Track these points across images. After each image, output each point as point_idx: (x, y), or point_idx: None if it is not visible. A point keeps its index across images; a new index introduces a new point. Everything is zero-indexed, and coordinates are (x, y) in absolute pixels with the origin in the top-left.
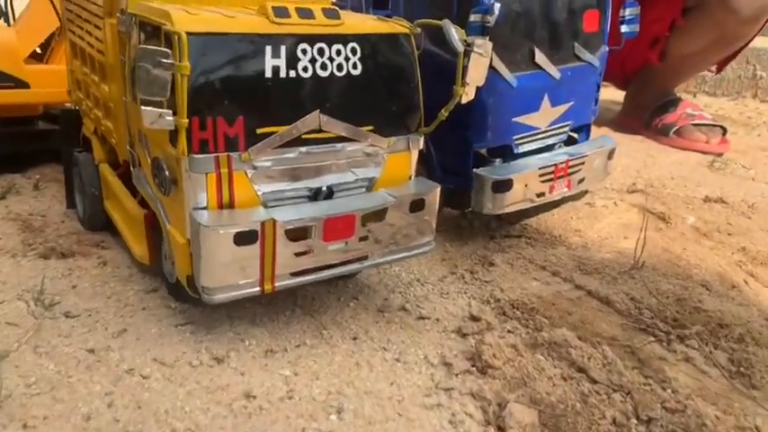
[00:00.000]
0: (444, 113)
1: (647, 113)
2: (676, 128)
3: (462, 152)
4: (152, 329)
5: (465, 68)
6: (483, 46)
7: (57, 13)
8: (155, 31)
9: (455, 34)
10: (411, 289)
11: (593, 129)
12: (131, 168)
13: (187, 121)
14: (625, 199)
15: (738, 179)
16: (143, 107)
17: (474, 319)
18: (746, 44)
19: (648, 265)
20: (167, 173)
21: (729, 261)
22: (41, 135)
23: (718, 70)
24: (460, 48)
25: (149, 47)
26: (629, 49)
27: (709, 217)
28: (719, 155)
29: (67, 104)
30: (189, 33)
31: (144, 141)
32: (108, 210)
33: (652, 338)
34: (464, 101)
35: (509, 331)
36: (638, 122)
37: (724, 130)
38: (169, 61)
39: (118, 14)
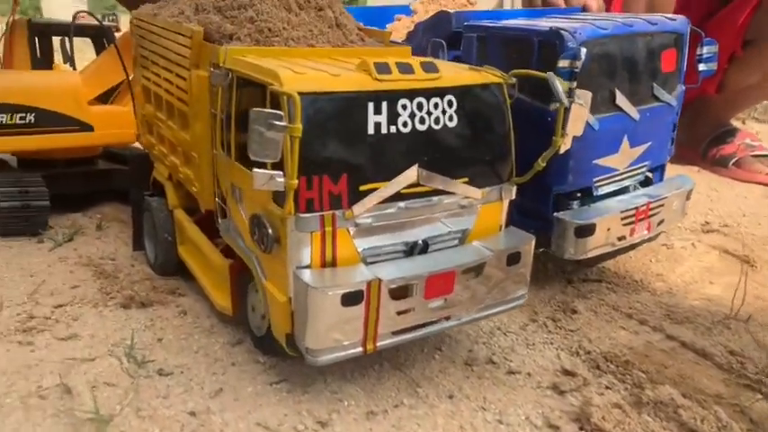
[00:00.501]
0: (541, 164)
1: (703, 144)
2: (735, 159)
3: (542, 196)
4: (248, 388)
5: (565, 119)
6: (584, 97)
7: (124, 69)
8: (257, 89)
9: (559, 86)
10: (494, 339)
11: None
12: (219, 219)
13: (297, 182)
14: (702, 240)
15: None
16: (255, 170)
17: (568, 373)
18: None
19: (743, 314)
20: (270, 231)
21: None
22: (102, 174)
23: None
24: (565, 100)
25: (263, 110)
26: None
27: None
28: None
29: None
30: (300, 93)
31: (237, 195)
32: (182, 256)
33: (759, 396)
34: (562, 151)
35: (607, 387)
36: (694, 153)
37: None
38: (282, 123)
39: (211, 68)
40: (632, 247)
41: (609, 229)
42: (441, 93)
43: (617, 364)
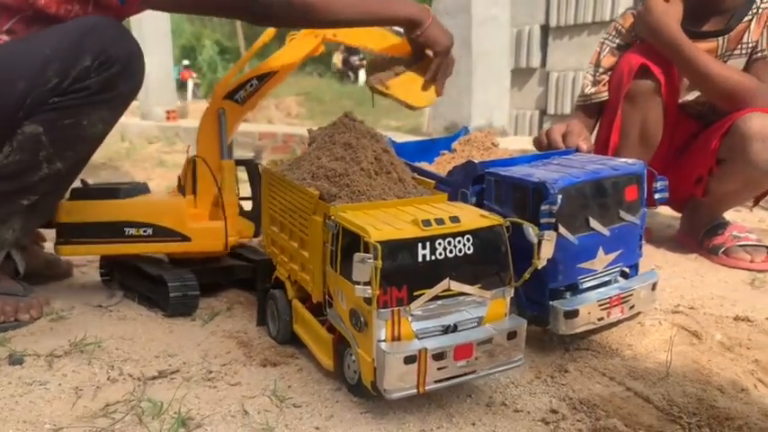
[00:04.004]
0: (526, 276)
1: (700, 235)
2: (724, 248)
3: (542, 290)
4: (347, 415)
5: (539, 250)
6: (550, 236)
7: (220, 195)
8: (354, 235)
9: (531, 233)
10: (508, 390)
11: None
12: (327, 309)
13: (378, 292)
14: (668, 319)
15: None
16: (356, 285)
17: (553, 411)
18: None
19: (680, 374)
20: (363, 319)
21: (744, 370)
22: (229, 269)
23: (755, 204)
24: (535, 241)
25: (362, 253)
26: (677, 184)
27: (734, 334)
28: (761, 272)
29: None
30: (380, 242)
31: (340, 295)
32: (296, 330)
33: (678, 427)
34: (539, 267)
35: (578, 420)
36: (693, 241)
37: None
38: (371, 261)
39: (326, 219)
40: (614, 324)
41: (589, 313)
42: (462, 234)
43: (588, 406)
